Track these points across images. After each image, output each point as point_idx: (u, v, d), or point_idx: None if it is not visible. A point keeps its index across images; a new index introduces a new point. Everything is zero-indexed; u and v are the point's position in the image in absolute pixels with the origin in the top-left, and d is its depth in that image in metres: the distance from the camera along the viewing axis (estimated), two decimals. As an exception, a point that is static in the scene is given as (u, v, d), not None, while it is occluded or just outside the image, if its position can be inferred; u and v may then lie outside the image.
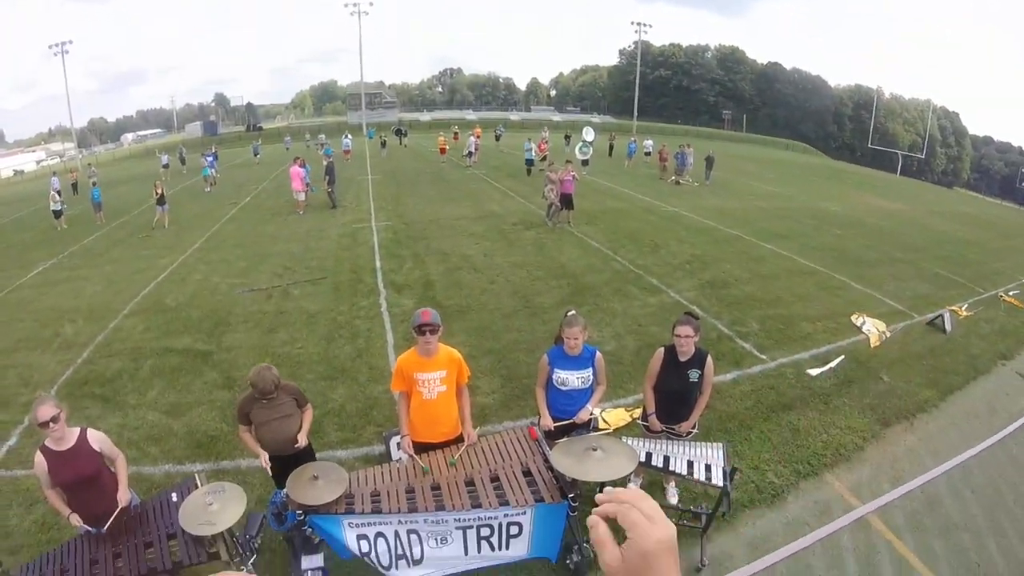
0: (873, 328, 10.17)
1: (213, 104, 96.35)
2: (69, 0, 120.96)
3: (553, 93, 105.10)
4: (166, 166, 34.53)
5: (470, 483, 4.20)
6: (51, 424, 3.85)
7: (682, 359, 4.92)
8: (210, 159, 28.95)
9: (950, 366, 9.16)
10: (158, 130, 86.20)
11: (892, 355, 9.31)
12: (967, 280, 14.56)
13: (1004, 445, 7.22)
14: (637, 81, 69.51)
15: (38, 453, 3.95)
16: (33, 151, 73.34)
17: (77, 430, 4.08)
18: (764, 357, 8.78)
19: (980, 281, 14.62)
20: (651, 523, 0.83)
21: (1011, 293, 13.63)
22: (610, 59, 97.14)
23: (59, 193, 20.80)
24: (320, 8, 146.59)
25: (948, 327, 10.56)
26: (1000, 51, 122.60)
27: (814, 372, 8.38)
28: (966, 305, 12.08)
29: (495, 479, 4.24)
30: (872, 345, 9.57)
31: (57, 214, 19.83)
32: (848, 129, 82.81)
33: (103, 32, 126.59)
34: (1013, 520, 5.78)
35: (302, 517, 3.90)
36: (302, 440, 4.66)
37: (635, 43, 73.14)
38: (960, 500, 6.00)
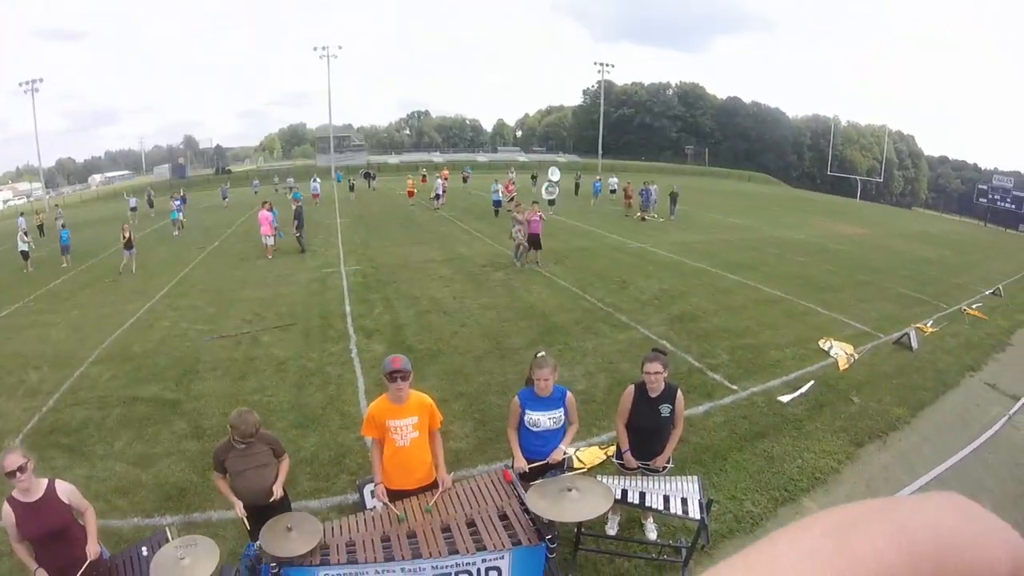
0: (841, 351, 10.37)
1: (182, 146, 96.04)
2: (40, 38, 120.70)
3: (519, 134, 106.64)
4: (134, 209, 34.05)
5: (446, 529, 4.14)
6: (18, 474, 3.76)
7: (652, 395, 4.96)
8: (178, 203, 28.67)
9: (919, 382, 9.37)
10: (126, 172, 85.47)
11: (861, 376, 9.49)
12: (930, 297, 15.03)
13: (978, 455, 7.38)
14: (601, 120, 70.80)
15: (5, 504, 3.85)
16: (0, 190, 72.34)
17: (45, 481, 3.98)
18: (735, 387, 8.86)
19: (943, 297, 15.11)
20: None
21: (974, 306, 14.09)
22: (574, 99, 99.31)
23: (26, 234, 20.51)
24: (289, 51, 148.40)
25: (914, 344, 10.82)
26: (953, 73, 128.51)
27: (785, 399, 8.47)
28: (931, 322, 12.42)
29: (471, 524, 4.19)
30: (841, 368, 9.74)
31: (25, 255, 19.56)
32: (807, 158, 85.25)
33: (74, 71, 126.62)
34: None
35: (276, 570, 3.81)
36: (277, 491, 4.57)
37: (598, 83, 74.62)
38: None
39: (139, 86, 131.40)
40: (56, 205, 44.83)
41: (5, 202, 64.48)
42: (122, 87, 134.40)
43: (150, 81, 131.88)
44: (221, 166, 77.40)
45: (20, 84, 51.83)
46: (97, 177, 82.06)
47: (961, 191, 77.21)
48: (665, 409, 4.96)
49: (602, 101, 72.75)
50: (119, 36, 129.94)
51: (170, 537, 4.00)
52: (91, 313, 13.50)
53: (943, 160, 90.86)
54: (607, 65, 68.53)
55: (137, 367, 9.85)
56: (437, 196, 30.55)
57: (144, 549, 4.10)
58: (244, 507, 4.45)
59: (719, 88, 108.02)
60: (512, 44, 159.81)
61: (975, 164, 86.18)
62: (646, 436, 5.09)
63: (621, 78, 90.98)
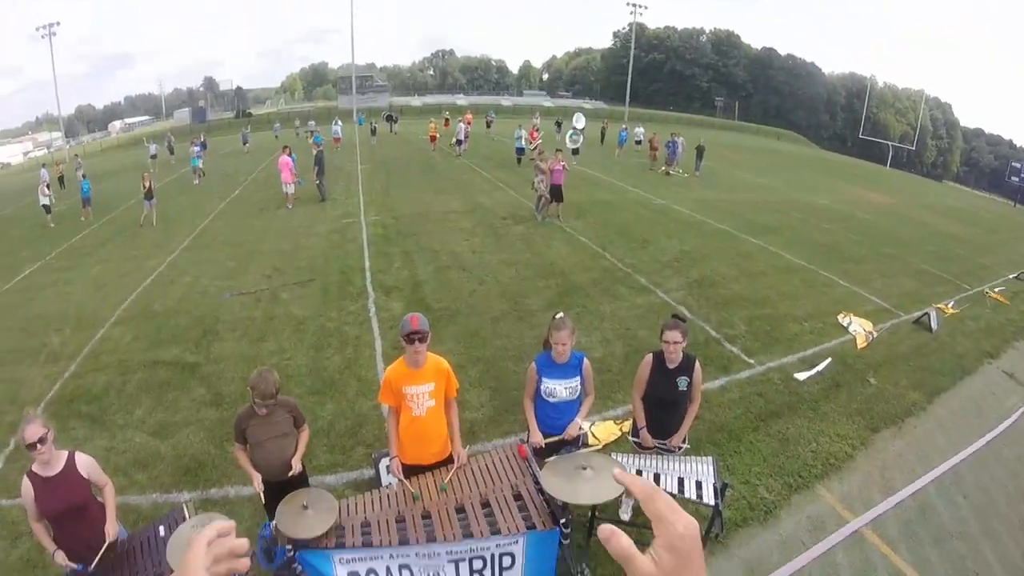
0: (860, 328, 10.25)
1: (202, 89, 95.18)
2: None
3: (545, 77, 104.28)
4: (154, 156, 34.11)
5: (461, 510, 4.16)
6: (39, 445, 3.73)
7: (670, 366, 4.88)
8: (198, 149, 28.47)
9: (937, 366, 9.24)
10: (146, 117, 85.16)
11: (879, 356, 9.38)
12: (953, 276, 14.71)
13: (993, 447, 7.32)
14: (631, 65, 68.82)
15: (25, 479, 3.84)
16: (20, 141, 72.57)
17: (65, 454, 3.97)
18: (751, 361, 8.81)
19: (966, 277, 14.78)
20: (678, 513, 0.80)
21: (996, 289, 13.78)
22: (604, 42, 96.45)
23: (48, 187, 20.58)
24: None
25: (934, 325, 10.66)
26: (996, 45, 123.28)
27: (801, 376, 8.41)
28: (952, 302, 12.21)
29: (486, 505, 4.20)
30: (859, 346, 9.64)
31: (47, 209, 19.65)
32: (840, 119, 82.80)
33: (90, 13, 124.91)
34: (1007, 523, 5.87)
35: (291, 553, 3.86)
36: (296, 466, 4.57)
37: (630, 25, 72.30)
38: (953, 506, 6.08)
39: (157, 26, 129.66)
40: (76, 155, 44.85)
41: (25, 154, 64.56)
42: (139, 27, 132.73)
43: (168, 21, 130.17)
44: (242, 109, 76.72)
45: (37, 29, 51.30)
46: (117, 124, 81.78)
47: (993, 167, 75.08)
48: (683, 382, 4.88)
49: (632, 45, 70.51)
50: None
51: (187, 515, 4.05)
52: (112, 269, 13.60)
53: (978, 133, 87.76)
54: (640, 6, 66.28)
55: (158, 328, 9.92)
56: (459, 142, 30.16)
57: (161, 528, 4.14)
58: (262, 480, 4.46)
59: (755, 38, 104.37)
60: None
61: (1011, 140, 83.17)
62: (662, 410, 5.03)
63: (653, 21, 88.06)
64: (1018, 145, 75.46)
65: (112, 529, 4.04)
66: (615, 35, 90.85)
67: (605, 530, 0.82)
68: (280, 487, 4.40)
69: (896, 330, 10.56)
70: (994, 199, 49.89)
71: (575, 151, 27.30)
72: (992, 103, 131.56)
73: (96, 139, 72.30)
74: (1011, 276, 15.46)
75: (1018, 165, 50.03)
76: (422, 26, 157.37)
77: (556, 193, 16.25)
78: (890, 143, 66.49)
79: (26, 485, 3.82)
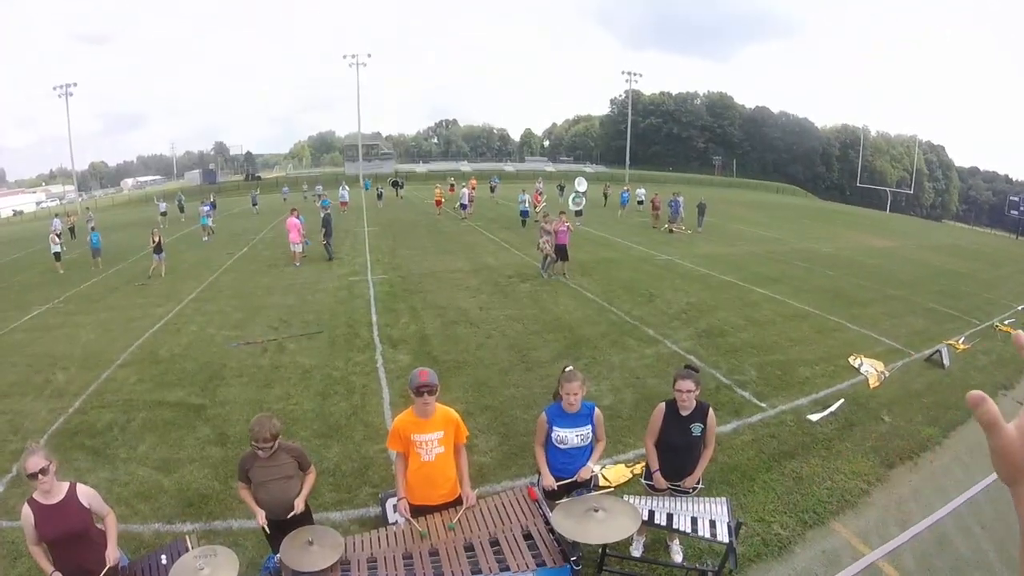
0: (871, 368, 10.15)
1: (212, 152, 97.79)
2: (75, 41, 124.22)
3: (546, 143, 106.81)
4: (164, 213, 34.77)
5: (469, 548, 4.06)
6: (40, 476, 3.76)
7: (683, 413, 4.87)
8: (207, 208, 29.02)
9: (951, 401, 9.10)
10: (158, 176, 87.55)
11: (892, 395, 9.27)
12: (962, 312, 14.69)
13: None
14: (629, 130, 70.44)
15: (25, 505, 3.86)
16: (34, 192, 74.55)
17: (66, 484, 3.98)
18: (764, 405, 8.69)
19: (975, 312, 14.77)
20: None
21: (1007, 322, 13.75)
22: (602, 109, 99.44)
23: (59, 235, 21.10)
24: (319, 59, 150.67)
25: (946, 362, 10.58)
26: (985, 82, 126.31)
27: (815, 417, 8.29)
28: (963, 338, 12.15)
29: (495, 543, 4.10)
30: (871, 386, 9.53)
31: (57, 256, 20.17)
32: (836, 169, 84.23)
33: (107, 75, 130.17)
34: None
35: (296, 584, 3.78)
36: (299, 506, 4.50)
37: (626, 92, 74.42)
38: (970, 537, 5.91)
39: (171, 91, 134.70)
40: (87, 208, 45.92)
41: (38, 204, 66.33)
42: (154, 91, 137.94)
43: (181, 86, 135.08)
44: (251, 172, 78.60)
45: (54, 88, 53.26)
46: (129, 181, 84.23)
47: (992, 203, 76.06)
48: (696, 428, 4.86)
49: (629, 111, 72.45)
50: (151, 42, 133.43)
51: (190, 546, 3.99)
52: (120, 315, 13.70)
53: (974, 171, 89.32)
54: (635, 74, 68.36)
55: (164, 371, 9.96)
56: (463, 206, 30.64)
57: (163, 557, 4.08)
58: (266, 516, 4.40)
59: (747, 98, 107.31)
60: (540, 53, 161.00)
61: (1006, 175, 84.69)
62: (676, 455, 4.99)
63: (648, 87, 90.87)
64: (1014, 179, 76.41)
65: (113, 554, 4.01)
66: (612, 102, 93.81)
67: (976, 396, 0.85)
68: (284, 525, 4.34)
69: (908, 369, 10.46)
70: (995, 234, 50.06)
71: (579, 213, 27.68)
72: (984, 141, 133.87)
73: (108, 194, 74.06)
74: (1019, 308, 15.43)
75: (1016, 199, 49.60)
76: (426, 96, 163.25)
77: (561, 252, 16.44)
78: (888, 189, 67.24)
79: (26, 511, 3.84)
